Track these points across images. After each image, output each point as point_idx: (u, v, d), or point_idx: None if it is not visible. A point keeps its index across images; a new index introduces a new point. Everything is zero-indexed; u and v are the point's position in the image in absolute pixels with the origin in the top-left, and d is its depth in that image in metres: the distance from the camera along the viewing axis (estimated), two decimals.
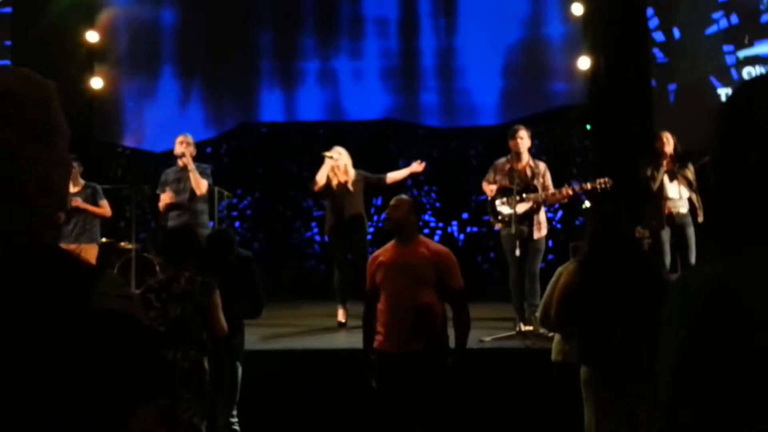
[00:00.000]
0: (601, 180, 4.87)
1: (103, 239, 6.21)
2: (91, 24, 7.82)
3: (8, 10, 7.55)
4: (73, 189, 5.24)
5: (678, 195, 5.16)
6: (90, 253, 5.23)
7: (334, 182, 5.20)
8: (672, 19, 5.92)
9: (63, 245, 0.88)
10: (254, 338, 4.33)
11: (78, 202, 5.26)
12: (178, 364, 2.86)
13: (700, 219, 5.14)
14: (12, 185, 0.77)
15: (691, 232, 5.15)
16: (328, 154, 5.22)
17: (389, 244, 3.25)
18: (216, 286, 3.05)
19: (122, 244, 7.18)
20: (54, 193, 0.82)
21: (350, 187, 5.17)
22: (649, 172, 5.15)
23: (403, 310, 3.05)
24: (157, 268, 6.86)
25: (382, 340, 3.14)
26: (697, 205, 5.16)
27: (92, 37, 7.76)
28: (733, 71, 6.02)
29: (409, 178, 6.05)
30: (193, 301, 2.95)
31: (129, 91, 8.24)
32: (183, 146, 5.22)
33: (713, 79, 6.07)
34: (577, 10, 7.32)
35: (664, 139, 5.15)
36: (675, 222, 5.15)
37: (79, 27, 7.68)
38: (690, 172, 5.20)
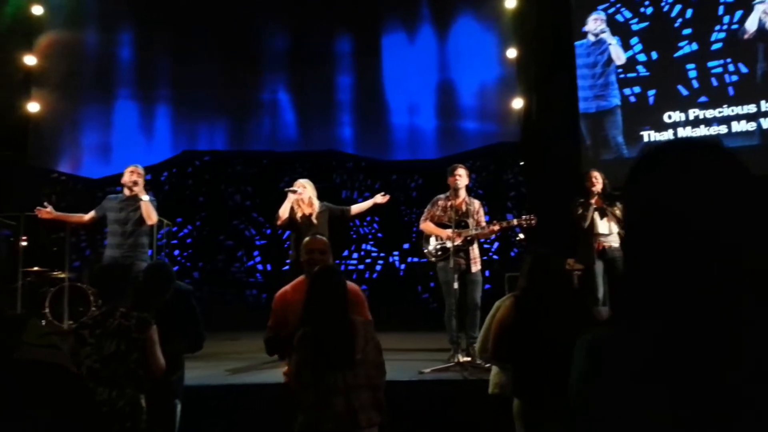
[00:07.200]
0: (526, 217, 5.14)
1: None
2: (29, 47, 7.65)
3: None
4: None
5: (608, 231, 5.40)
6: None
7: (298, 215, 5.17)
8: (651, 45, 7.55)
9: None
10: (193, 373, 4.28)
11: None
12: (114, 402, 2.78)
13: None
14: None
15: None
16: (290, 189, 5.21)
17: (298, 281, 3.28)
18: (152, 322, 2.95)
19: (55, 273, 6.96)
20: None
21: (314, 219, 5.14)
22: (579, 211, 5.40)
23: None
24: (91, 297, 6.65)
25: None
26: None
27: (30, 60, 7.59)
28: (694, 82, 7.47)
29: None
30: (128, 337, 2.86)
31: (66, 117, 8.06)
32: (135, 176, 5.09)
33: (680, 87, 7.41)
34: (512, 53, 7.74)
35: (593, 179, 5.42)
36: (607, 255, 5.36)
37: (16, 50, 7.50)
38: (619, 210, 5.40)
